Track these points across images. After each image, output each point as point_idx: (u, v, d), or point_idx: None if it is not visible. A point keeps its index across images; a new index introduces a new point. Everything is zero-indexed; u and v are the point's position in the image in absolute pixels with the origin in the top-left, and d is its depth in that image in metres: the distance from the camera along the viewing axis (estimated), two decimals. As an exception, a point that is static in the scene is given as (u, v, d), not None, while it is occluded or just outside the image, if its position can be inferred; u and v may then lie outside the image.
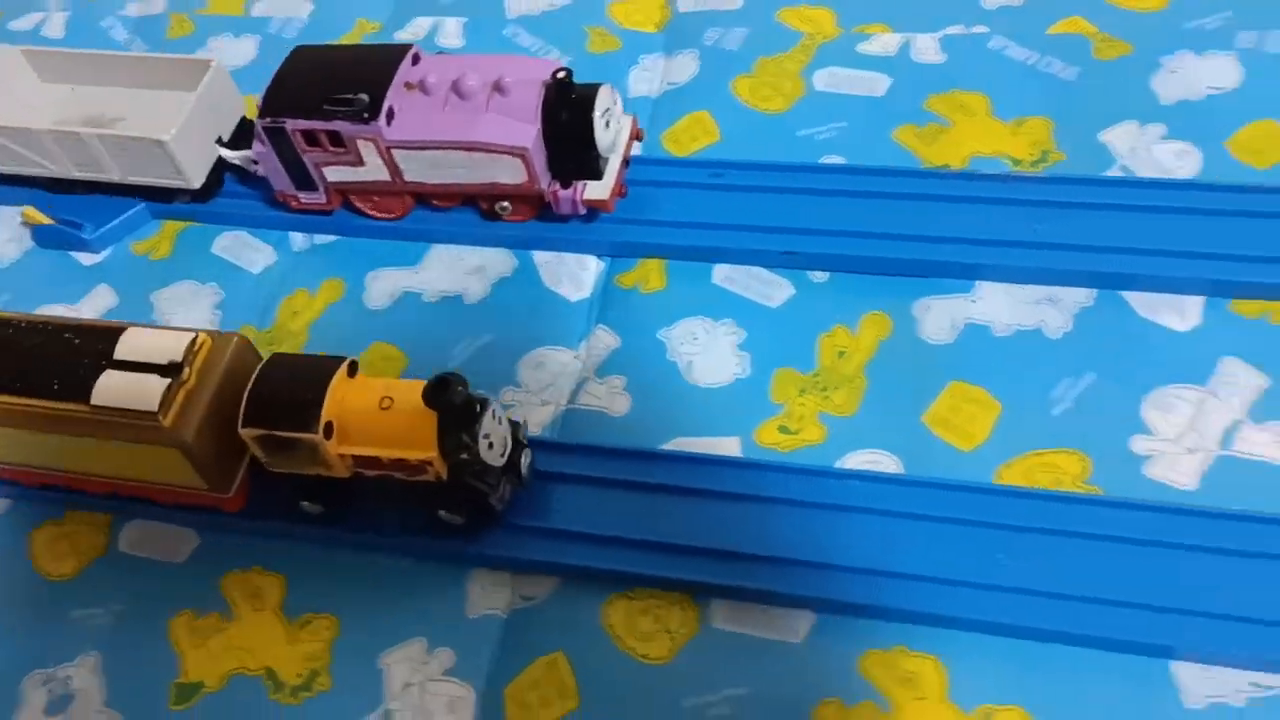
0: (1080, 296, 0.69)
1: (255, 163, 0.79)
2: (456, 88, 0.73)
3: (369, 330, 0.75)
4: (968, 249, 0.71)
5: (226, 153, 0.80)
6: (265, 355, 0.63)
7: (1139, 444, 0.62)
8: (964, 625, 0.58)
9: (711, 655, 0.60)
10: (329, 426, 0.59)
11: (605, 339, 0.72)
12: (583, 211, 0.75)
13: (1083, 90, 0.78)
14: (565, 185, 0.75)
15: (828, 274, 0.73)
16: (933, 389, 0.66)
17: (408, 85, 0.74)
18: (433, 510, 0.63)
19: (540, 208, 0.77)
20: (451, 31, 0.92)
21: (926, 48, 0.83)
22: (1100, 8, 0.82)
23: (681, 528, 0.62)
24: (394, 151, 0.75)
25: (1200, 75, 0.77)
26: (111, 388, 0.62)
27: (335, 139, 0.75)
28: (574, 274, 0.76)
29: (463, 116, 0.73)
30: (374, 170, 0.76)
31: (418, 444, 0.60)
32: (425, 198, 0.79)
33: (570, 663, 0.61)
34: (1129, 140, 0.75)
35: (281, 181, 0.79)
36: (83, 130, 0.79)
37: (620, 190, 0.75)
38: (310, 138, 0.75)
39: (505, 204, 0.77)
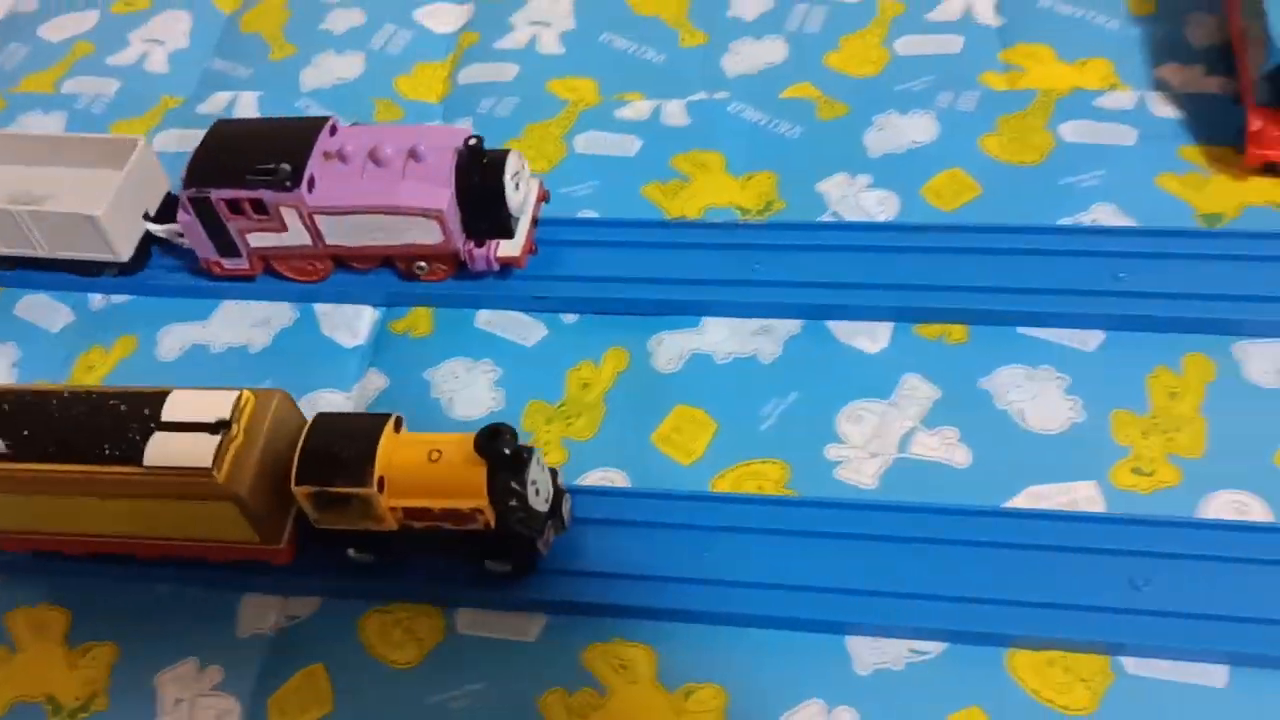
0: (791, 327, 0.78)
1: (181, 235, 0.83)
2: (374, 155, 0.79)
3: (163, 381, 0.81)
4: (697, 289, 0.80)
5: (153, 226, 0.85)
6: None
7: (831, 451, 0.72)
8: (673, 616, 0.66)
9: (455, 657, 0.66)
10: (381, 481, 0.63)
11: (376, 380, 0.79)
12: (497, 268, 0.81)
13: (805, 147, 0.88)
14: (480, 244, 0.81)
15: (577, 315, 0.81)
16: (661, 412, 0.75)
17: (326, 155, 0.80)
18: (478, 560, 0.67)
19: (457, 266, 0.82)
20: (248, 105, 0.99)
21: (675, 112, 0.93)
22: (825, 74, 0.93)
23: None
24: (316, 217, 0.80)
25: (904, 131, 0.88)
26: (163, 448, 0.64)
27: (259, 206, 0.80)
28: (350, 322, 0.83)
29: (381, 182, 0.79)
30: (296, 235, 0.81)
31: (468, 493, 0.64)
32: (345, 260, 0.84)
33: (328, 672, 0.67)
34: (840, 189, 0.85)
35: (205, 249, 0.84)
36: (14, 207, 0.83)
37: (531, 248, 0.81)
38: (234, 206, 0.80)
39: (423, 264, 0.82)
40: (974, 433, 0.71)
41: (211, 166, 0.80)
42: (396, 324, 0.82)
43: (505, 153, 0.79)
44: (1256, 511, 0.66)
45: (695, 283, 0.80)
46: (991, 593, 0.64)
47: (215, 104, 1.00)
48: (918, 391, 0.74)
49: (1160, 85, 0.88)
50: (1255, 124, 0.79)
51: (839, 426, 0.73)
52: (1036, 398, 0.72)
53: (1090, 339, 0.75)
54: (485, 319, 0.82)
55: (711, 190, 0.87)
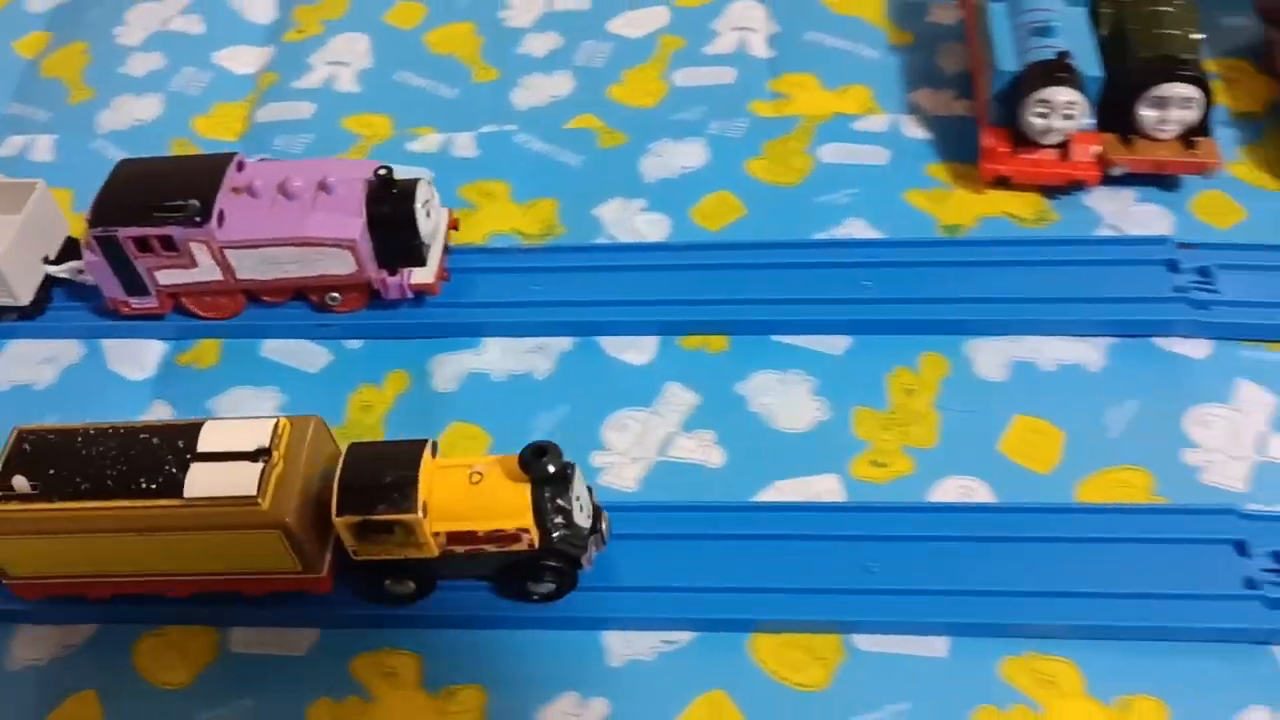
0: (564, 344, 0.82)
1: (81, 272, 0.83)
2: (283, 189, 0.80)
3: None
4: (477, 311, 0.84)
5: (53, 268, 0.84)
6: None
7: (597, 459, 0.75)
8: (439, 623, 0.69)
9: (226, 674, 0.68)
10: (424, 506, 0.63)
11: (160, 411, 0.81)
12: (410, 296, 0.82)
13: (585, 174, 0.92)
14: (393, 273, 0.82)
15: (361, 341, 0.84)
16: (438, 429, 0.78)
17: (235, 189, 0.80)
18: (519, 582, 0.67)
19: (370, 296, 0.83)
20: (44, 148, 0.99)
21: (464, 144, 0.96)
22: (607, 106, 0.98)
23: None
24: (226, 251, 0.80)
25: (677, 158, 0.93)
26: (204, 479, 0.63)
27: (168, 243, 0.79)
28: (137, 356, 0.84)
29: (291, 215, 0.80)
30: (207, 271, 0.81)
31: (513, 514, 0.64)
32: (257, 294, 0.84)
33: (99, 698, 0.68)
34: (616, 213, 0.89)
35: (113, 289, 0.83)
36: None
37: (443, 275, 0.83)
38: (142, 244, 0.80)
39: (336, 295, 0.83)
40: (729, 434, 0.76)
41: (117, 205, 0.80)
42: (183, 356, 0.84)
43: (415, 181, 0.80)
44: (981, 494, 0.72)
45: (475, 305, 0.84)
46: (737, 582, 0.68)
47: (10, 147, 1.00)
48: (678, 399, 0.78)
49: (913, 109, 0.95)
50: (987, 141, 0.86)
51: (604, 435, 0.76)
52: (786, 400, 0.77)
53: (838, 343, 0.80)
54: (271, 348, 0.84)
55: (495, 217, 0.90)
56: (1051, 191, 0.87)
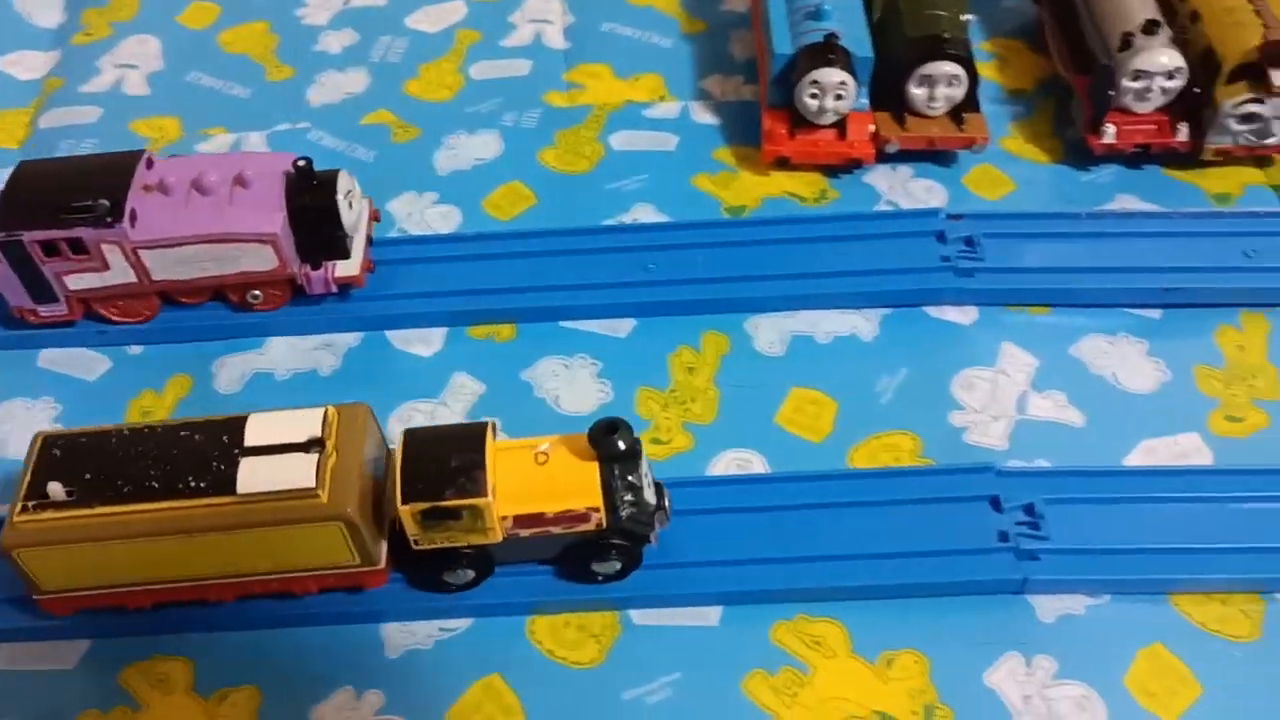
0: (350, 339, 0.81)
1: None
2: (198, 185, 0.76)
3: None
4: (257, 317, 0.82)
5: None
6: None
7: (380, 453, 0.75)
8: (210, 627, 0.67)
9: (-10, 694, 0.66)
10: (492, 489, 0.61)
11: (-73, 429, 0.78)
12: (335, 290, 0.80)
13: (379, 169, 0.92)
14: (316, 267, 0.79)
15: (142, 347, 0.82)
16: (219, 432, 0.76)
17: (146, 187, 0.77)
18: (584, 563, 0.65)
19: (293, 293, 0.81)
20: None
21: (256, 142, 0.95)
22: (402, 100, 0.97)
23: None
24: (140, 252, 0.76)
25: (471, 150, 0.93)
26: (257, 473, 0.61)
27: (77, 246, 0.76)
28: (-96, 373, 0.81)
29: (208, 211, 0.77)
30: (119, 273, 0.78)
31: (583, 493, 0.62)
32: (173, 296, 0.81)
33: None
34: (407, 207, 0.89)
35: (18, 297, 0.79)
36: None
37: (369, 266, 0.81)
38: (49, 248, 0.76)
39: (257, 292, 0.80)
40: (513, 422, 0.76)
41: (21, 207, 0.77)
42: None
43: (335, 172, 0.78)
44: (756, 465, 0.73)
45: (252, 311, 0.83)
46: (518, 568, 0.69)
47: None
48: (465, 389, 0.78)
49: (703, 95, 0.97)
50: (767, 124, 0.88)
51: (390, 428, 0.76)
52: (572, 384, 0.78)
53: (623, 326, 0.81)
54: (48, 358, 0.81)
55: (284, 216, 0.89)
56: (832, 170, 0.89)
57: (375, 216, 0.85)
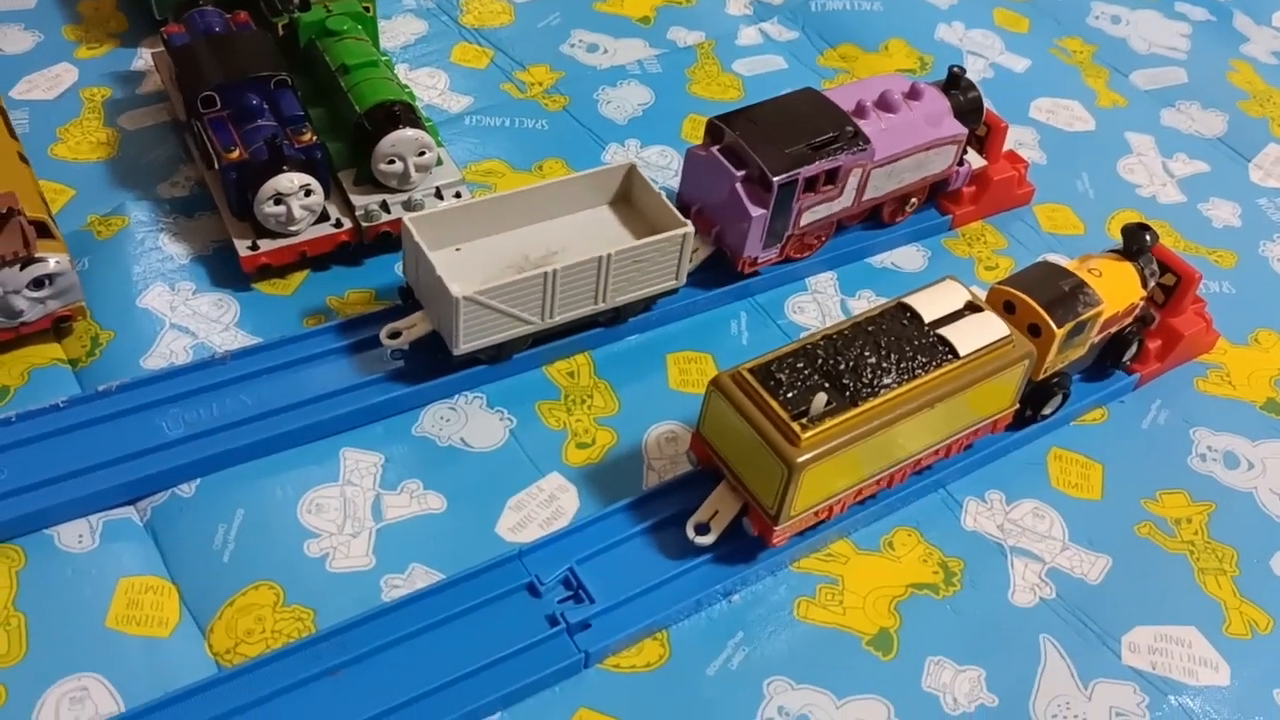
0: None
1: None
2: (884, 104, 0.84)
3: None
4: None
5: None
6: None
7: None
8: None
9: None
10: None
11: None
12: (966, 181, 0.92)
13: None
14: (961, 163, 0.90)
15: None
16: None
17: (856, 114, 0.84)
18: (1115, 358, 0.80)
19: (927, 198, 0.91)
20: None
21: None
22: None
23: None
24: (873, 171, 0.83)
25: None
26: (963, 337, 0.69)
27: (830, 177, 0.81)
28: None
29: (917, 124, 0.85)
30: (845, 200, 0.84)
31: (1135, 292, 0.77)
32: (851, 217, 0.88)
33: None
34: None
35: (753, 246, 0.82)
36: (603, 254, 0.76)
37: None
38: (811, 182, 0.81)
39: (914, 200, 0.90)
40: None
41: (782, 158, 0.78)
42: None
43: (962, 69, 0.88)
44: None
45: None
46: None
47: None
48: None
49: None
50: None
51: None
52: None
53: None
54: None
55: None
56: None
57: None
